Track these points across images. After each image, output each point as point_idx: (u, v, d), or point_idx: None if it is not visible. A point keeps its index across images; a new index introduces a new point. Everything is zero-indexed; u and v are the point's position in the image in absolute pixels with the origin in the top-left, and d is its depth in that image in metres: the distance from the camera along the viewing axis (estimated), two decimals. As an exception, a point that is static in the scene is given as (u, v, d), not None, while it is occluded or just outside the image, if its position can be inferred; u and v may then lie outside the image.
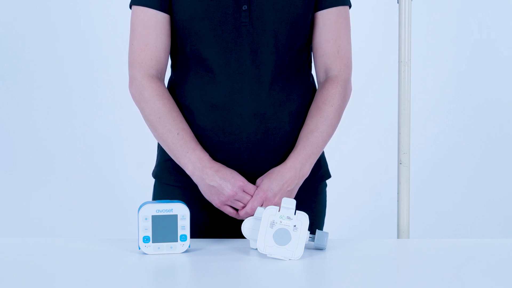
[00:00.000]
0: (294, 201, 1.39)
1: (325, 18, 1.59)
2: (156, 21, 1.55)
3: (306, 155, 1.53)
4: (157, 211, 1.37)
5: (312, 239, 1.42)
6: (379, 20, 3.28)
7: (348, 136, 3.46)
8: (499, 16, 3.55)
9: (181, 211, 1.38)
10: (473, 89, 3.59)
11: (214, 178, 1.49)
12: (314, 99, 1.61)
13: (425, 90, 3.49)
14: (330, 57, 1.60)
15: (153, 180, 1.69)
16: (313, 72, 1.67)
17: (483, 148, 3.60)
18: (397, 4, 1.70)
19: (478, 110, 3.59)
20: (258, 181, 1.52)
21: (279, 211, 1.38)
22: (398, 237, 1.72)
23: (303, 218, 1.37)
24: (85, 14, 3.52)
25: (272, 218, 1.37)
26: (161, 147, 1.65)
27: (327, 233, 1.42)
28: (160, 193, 1.64)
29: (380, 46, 3.29)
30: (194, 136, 1.54)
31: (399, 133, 1.71)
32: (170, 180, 1.62)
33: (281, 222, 1.37)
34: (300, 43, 1.57)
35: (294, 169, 1.52)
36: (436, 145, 3.61)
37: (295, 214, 1.38)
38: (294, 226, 1.37)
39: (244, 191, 1.49)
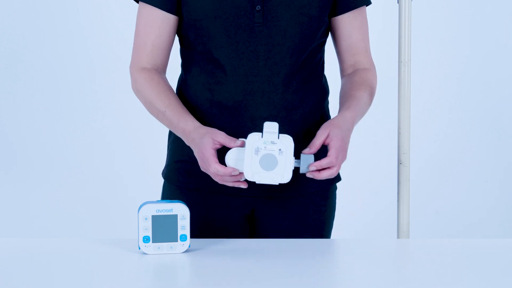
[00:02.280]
0: (277, 124, 1.35)
1: (352, 20, 1.59)
2: (158, 21, 1.54)
3: (355, 115, 1.50)
4: (157, 211, 1.37)
5: (298, 163, 1.39)
6: (379, 20, 3.28)
7: (348, 136, 3.46)
8: (499, 16, 3.55)
9: (181, 211, 1.38)
10: (473, 89, 3.59)
11: (195, 151, 1.44)
12: (349, 81, 1.59)
13: (425, 90, 3.49)
14: (361, 55, 1.62)
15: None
16: (325, 72, 1.67)
17: (483, 148, 3.60)
18: (397, 4, 1.70)
19: (478, 110, 3.59)
20: (322, 132, 1.42)
21: (262, 137, 1.35)
22: (398, 237, 1.72)
23: (288, 141, 1.34)
24: (85, 15, 3.52)
25: (256, 145, 1.33)
26: (171, 147, 1.65)
27: (312, 156, 1.39)
28: (170, 194, 1.63)
29: (380, 46, 3.29)
30: (179, 108, 1.51)
31: (399, 133, 1.71)
32: (180, 181, 1.61)
33: (265, 147, 1.33)
34: (314, 45, 1.56)
35: (353, 122, 1.48)
36: (436, 145, 3.61)
37: (278, 137, 1.34)
38: (280, 150, 1.33)
39: (216, 167, 1.37)
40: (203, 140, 1.41)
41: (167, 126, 1.54)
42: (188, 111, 1.52)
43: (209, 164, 1.39)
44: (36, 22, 3.50)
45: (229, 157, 1.37)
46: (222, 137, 1.41)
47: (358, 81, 1.57)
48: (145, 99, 1.55)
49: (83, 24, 3.52)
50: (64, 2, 3.51)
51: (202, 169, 1.44)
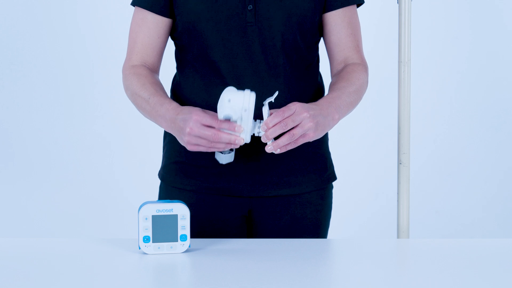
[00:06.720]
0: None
1: (342, 16, 1.58)
2: (147, 22, 1.56)
3: (336, 105, 1.46)
4: (157, 211, 1.37)
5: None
6: (379, 20, 3.28)
7: (348, 136, 3.47)
8: (498, 16, 3.55)
9: (181, 211, 1.38)
10: (473, 89, 3.59)
11: (174, 124, 1.41)
12: (336, 76, 1.58)
13: (425, 90, 3.49)
14: (351, 51, 1.60)
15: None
16: (321, 70, 1.67)
17: (483, 147, 3.60)
18: (397, 4, 1.70)
19: (478, 110, 3.60)
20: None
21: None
22: (398, 237, 1.72)
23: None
24: (84, 16, 3.52)
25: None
26: (167, 148, 1.64)
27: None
28: (167, 195, 1.63)
29: (380, 46, 3.29)
30: (163, 94, 1.50)
31: (399, 133, 1.71)
32: (177, 182, 1.61)
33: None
34: (308, 43, 1.56)
35: (328, 104, 1.44)
36: (436, 145, 3.61)
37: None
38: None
39: (202, 125, 1.37)
40: (194, 111, 1.39)
41: (150, 114, 1.50)
42: (172, 100, 1.49)
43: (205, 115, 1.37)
44: (36, 22, 3.50)
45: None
46: (210, 115, 1.39)
47: (343, 75, 1.56)
48: (132, 91, 1.54)
49: (83, 24, 3.53)
50: (64, 2, 3.51)
51: (183, 132, 1.39)
